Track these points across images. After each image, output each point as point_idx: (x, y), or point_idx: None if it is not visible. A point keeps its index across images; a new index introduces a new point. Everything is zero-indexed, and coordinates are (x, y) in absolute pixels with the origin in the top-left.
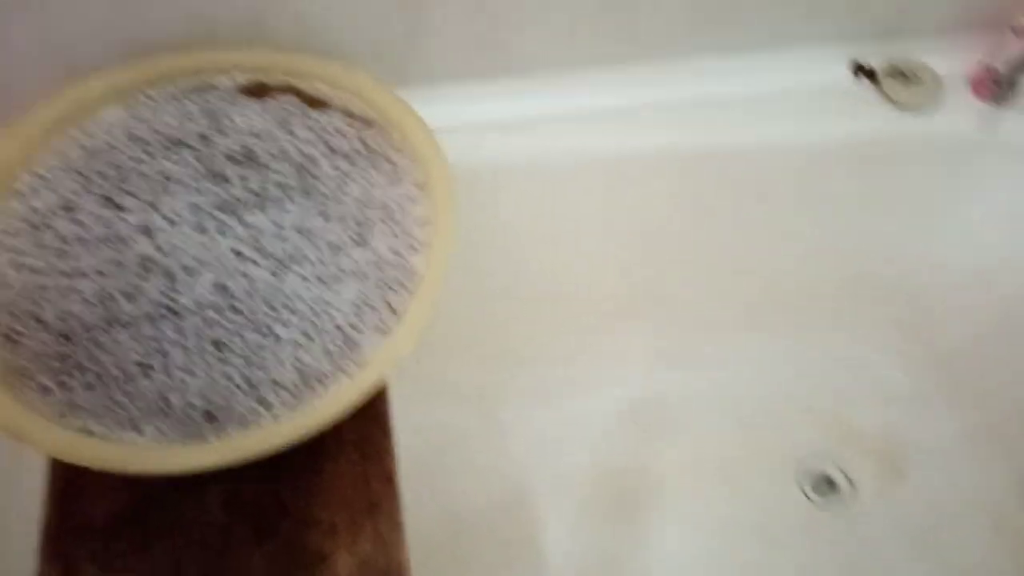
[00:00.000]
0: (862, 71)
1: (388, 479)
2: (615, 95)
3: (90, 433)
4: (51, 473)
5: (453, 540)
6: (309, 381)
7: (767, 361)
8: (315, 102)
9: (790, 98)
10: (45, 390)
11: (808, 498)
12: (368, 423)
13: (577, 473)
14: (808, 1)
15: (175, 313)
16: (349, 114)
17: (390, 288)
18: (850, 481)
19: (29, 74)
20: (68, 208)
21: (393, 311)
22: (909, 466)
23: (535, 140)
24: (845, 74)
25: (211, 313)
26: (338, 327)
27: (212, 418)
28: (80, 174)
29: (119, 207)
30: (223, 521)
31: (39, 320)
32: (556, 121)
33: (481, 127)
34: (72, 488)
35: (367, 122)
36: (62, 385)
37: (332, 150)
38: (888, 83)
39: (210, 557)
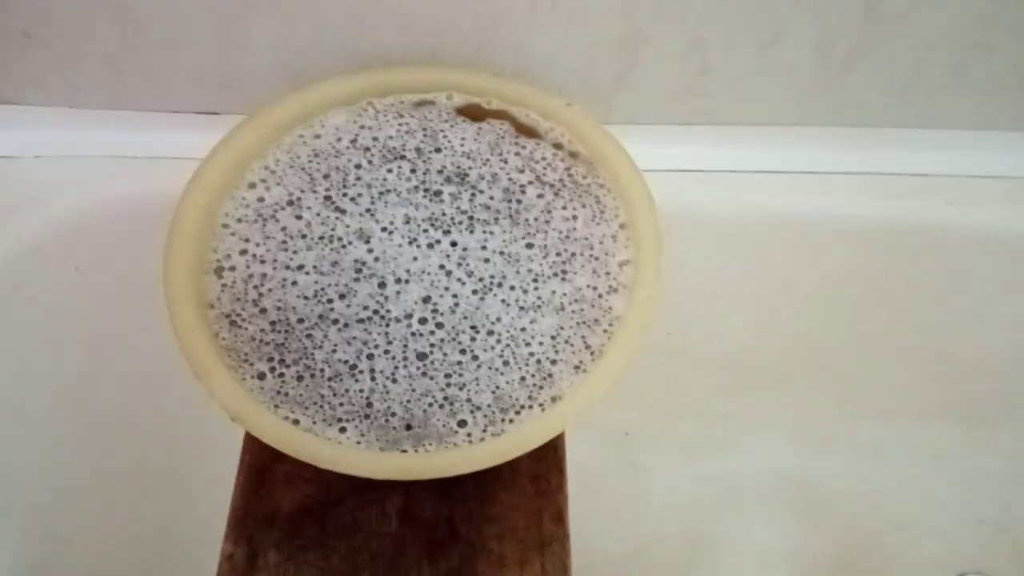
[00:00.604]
0: None
1: (560, 519)
2: (817, 157)
3: (298, 424)
4: (245, 458)
5: None
6: (504, 407)
7: (933, 457)
8: (527, 130)
9: (1008, 183)
10: (260, 376)
11: None
12: (545, 458)
13: (713, 536)
14: None
15: (383, 320)
16: (559, 146)
17: (588, 326)
18: None
19: (262, 73)
20: (293, 204)
21: (590, 350)
22: None
23: (725, 192)
24: None
25: (417, 325)
26: (535, 357)
27: (410, 428)
28: (306, 173)
29: (340, 210)
30: (398, 532)
31: (259, 307)
32: (750, 176)
33: (673, 173)
34: (263, 476)
35: (576, 156)
36: (275, 373)
37: (540, 180)
38: None
39: (383, 565)
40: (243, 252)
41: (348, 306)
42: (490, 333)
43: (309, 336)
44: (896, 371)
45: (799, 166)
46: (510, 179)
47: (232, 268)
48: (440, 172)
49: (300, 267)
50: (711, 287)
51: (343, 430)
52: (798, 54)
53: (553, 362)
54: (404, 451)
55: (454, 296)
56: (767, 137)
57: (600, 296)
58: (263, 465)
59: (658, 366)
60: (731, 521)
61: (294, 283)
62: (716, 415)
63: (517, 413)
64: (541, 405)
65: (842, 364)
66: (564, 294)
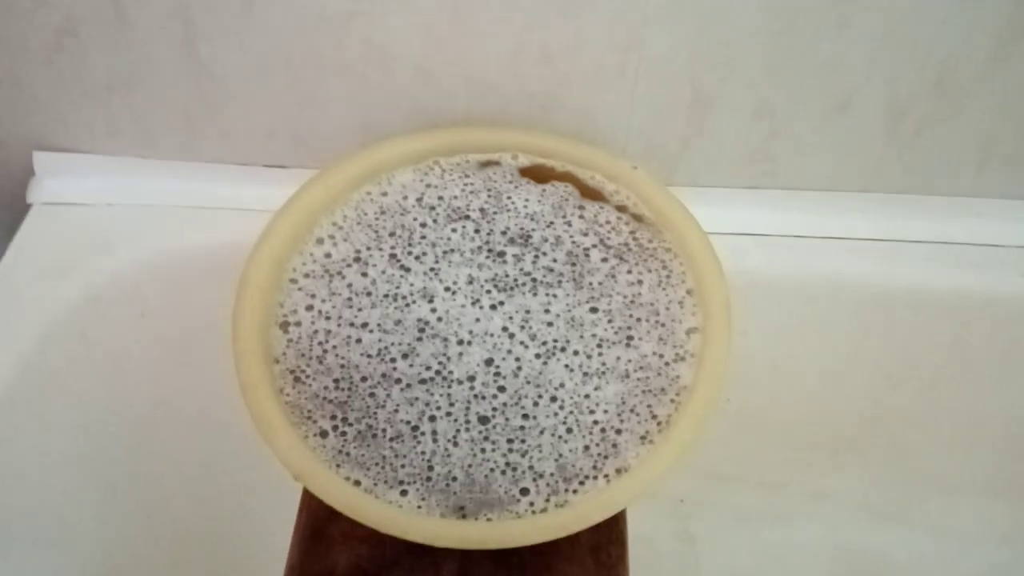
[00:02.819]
0: None
1: None
2: (886, 224)
3: (359, 485)
4: (301, 517)
5: None
6: (568, 477)
7: (1004, 539)
8: (591, 193)
9: None
10: (323, 434)
11: None
12: (606, 529)
13: None
14: None
15: (446, 381)
16: (623, 209)
17: (654, 395)
18: None
19: (331, 128)
20: (359, 261)
21: (656, 420)
22: None
23: (790, 257)
24: None
25: (479, 387)
26: (599, 426)
27: (471, 493)
28: (372, 230)
29: (404, 268)
30: None
31: (323, 364)
32: (817, 242)
33: (738, 236)
34: (319, 535)
35: (641, 220)
36: (337, 432)
37: (604, 244)
38: None
39: None
40: (309, 308)
41: (411, 366)
42: (553, 399)
43: (372, 395)
44: (966, 447)
45: (867, 233)
46: (574, 242)
47: (298, 323)
48: (504, 233)
49: (364, 325)
50: (773, 354)
51: (404, 493)
52: (868, 120)
53: (618, 431)
54: (464, 516)
55: (517, 360)
56: (835, 202)
57: (667, 364)
58: (319, 524)
59: (716, 432)
60: None
61: (358, 340)
62: (775, 485)
63: (581, 483)
64: (606, 476)
65: (909, 438)
66: (629, 361)
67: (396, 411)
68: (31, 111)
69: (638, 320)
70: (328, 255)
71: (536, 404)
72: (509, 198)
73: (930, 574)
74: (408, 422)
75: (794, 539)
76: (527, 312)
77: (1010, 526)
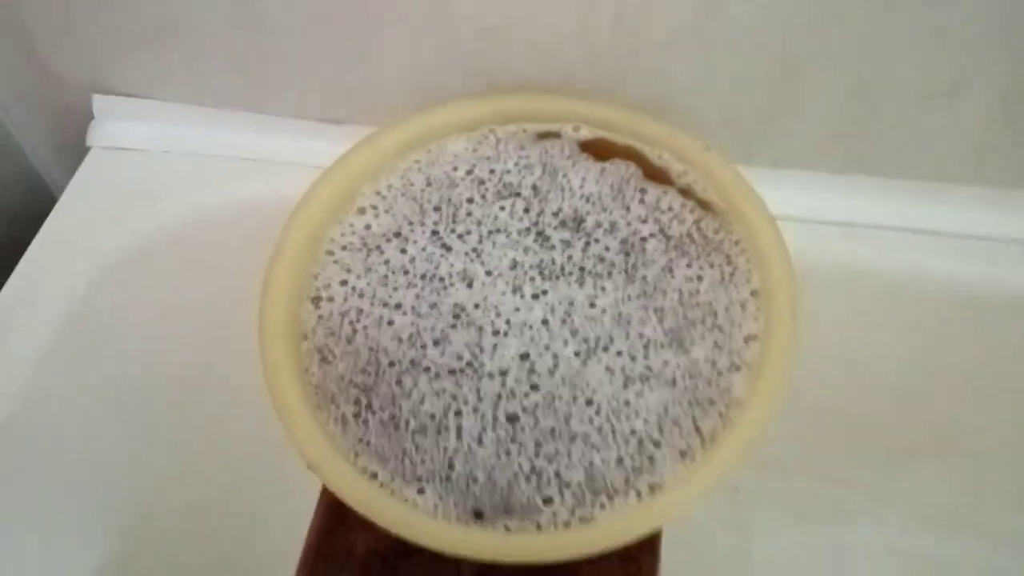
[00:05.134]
0: None
1: None
2: (991, 221)
3: (376, 478)
4: (324, 497)
5: None
6: (596, 489)
7: None
8: (656, 173)
9: None
10: (344, 421)
11: None
12: None
13: None
14: None
15: (476, 374)
16: (689, 193)
17: (701, 407)
18: None
19: (388, 86)
20: (399, 236)
21: (700, 434)
22: None
23: (877, 250)
24: None
25: (511, 383)
26: (636, 436)
27: (491, 497)
28: (416, 203)
29: (446, 247)
30: None
31: (351, 344)
32: (909, 236)
33: (820, 225)
34: (338, 515)
35: (708, 207)
36: (359, 419)
37: (664, 233)
38: None
39: None
40: (343, 283)
41: (442, 354)
42: (589, 403)
43: (399, 382)
44: None
45: (969, 229)
46: (631, 229)
47: (330, 299)
48: (555, 215)
49: (398, 306)
50: (851, 349)
51: (421, 491)
52: (980, 104)
53: (656, 444)
54: (481, 519)
55: (554, 356)
56: (934, 194)
57: (719, 373)
58: (340, 505)
59: (781, 422)
60: None
61: (390, 322)
62: (838, 481)
63: (610, 498)
64: (638, 492)
65: (986, 446)
66: (678, 366)
67: (422, 402)
68: (89, 54)
69: (693, 322)
70: (368, 227)
71: (570, 407)
72: (565, 176)
73: None
74: (433, 415)
75: (854, 540)
76: (570, 304)
77: None
